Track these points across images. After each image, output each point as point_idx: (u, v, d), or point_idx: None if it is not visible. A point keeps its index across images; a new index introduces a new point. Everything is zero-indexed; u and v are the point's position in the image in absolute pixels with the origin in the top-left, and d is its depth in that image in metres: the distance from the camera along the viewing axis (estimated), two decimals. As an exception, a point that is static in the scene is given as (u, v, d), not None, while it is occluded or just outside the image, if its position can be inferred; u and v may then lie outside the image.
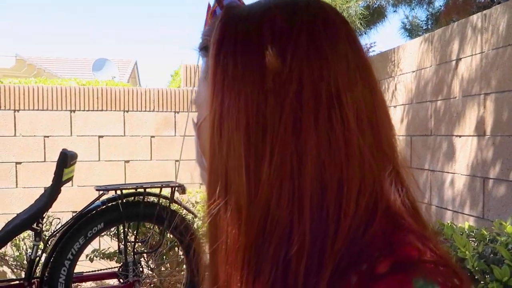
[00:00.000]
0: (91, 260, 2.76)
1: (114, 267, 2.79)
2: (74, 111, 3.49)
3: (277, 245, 0.33)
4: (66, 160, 1.87)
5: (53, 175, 1.90)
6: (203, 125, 0.43)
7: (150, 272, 2.84)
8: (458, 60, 2.58)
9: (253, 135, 0.34)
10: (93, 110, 3.52)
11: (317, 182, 0.32)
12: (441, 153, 2.69)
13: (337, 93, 0.34)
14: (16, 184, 3.38)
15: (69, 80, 4.19)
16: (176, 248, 3.26)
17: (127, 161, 3.54)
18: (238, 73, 0.35)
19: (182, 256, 3.26)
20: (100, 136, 3.52)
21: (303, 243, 0.32)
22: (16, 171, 3.38)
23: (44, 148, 3.41)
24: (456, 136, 2.57)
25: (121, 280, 2.11)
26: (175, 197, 2.17)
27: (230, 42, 0.36)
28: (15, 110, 3.39)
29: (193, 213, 2.27)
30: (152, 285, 3.13)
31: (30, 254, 1.94)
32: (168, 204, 2.14)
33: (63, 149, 1.91)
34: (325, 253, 0.32)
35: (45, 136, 3.42)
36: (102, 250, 2.93)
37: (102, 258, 2.87)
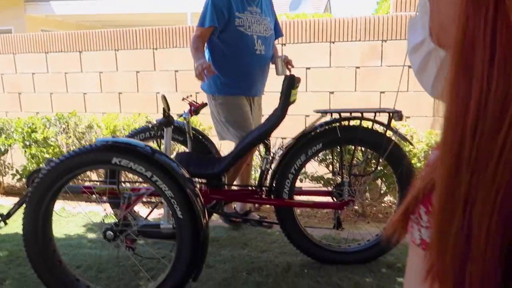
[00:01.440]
0: (301, 180, 3.04)
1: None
2: (285, 44, 3.71)
3: None
4: (293, 82, 2.03)
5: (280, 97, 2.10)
6: None
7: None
8: None
9: None
10: (301, 43, 3.67)
11: None
12: None
13: None
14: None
15: (280, 15, 4.42)
16: (379, 180, 3.27)
17: (332, 92, 3.63)
18: None
19: (384, 188, 3.27)
20: (307, 68, 3.68)
21: None
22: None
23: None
24: None
25: (334, 199, 2.26)
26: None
27: None
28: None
29: (409, 142, 2.19)
30: (354, 211, 3.27)
31: (261, 165, 2.26)
32: (384, 131, 2.12)
33: (290, 74, 2.07)
34: None
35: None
36: (310, 173, 3.18)
37: (311, 180, 3.12)
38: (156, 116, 4.07)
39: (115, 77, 4.20)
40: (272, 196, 2.24)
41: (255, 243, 2.63)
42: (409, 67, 3.44)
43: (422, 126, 3.41)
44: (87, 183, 3.03)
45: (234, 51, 2.49)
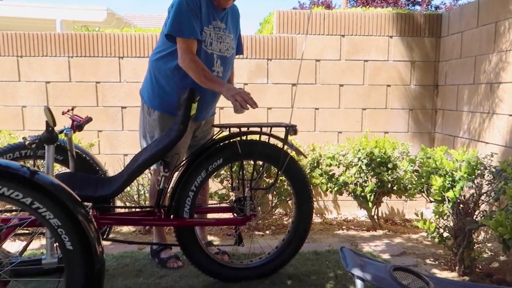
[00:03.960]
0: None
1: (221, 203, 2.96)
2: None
3: None
4: (193, 95, 1.95)
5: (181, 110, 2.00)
6: None
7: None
8: None
9: None
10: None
11: None
12: None
13: None
14: (122, 127, 3.64)
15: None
16: (270, 195, 3.37)
17: (221, 108, 3.63)
18: None
19: (275, 201, 3.38)
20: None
21: None
22: (122, 115, 3.63)
23: (146, 93, 3.60)
24: None
25: (235, 215, 2.22)
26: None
27: None
28: (119, 57, 3.58)
29: (303, 154, 2.29)
30: (247, 226, 3.29)
31: (159, 184, 2.10)
32: (282, 145, 2.18)
33: (190, 87, 1.99)
34: None
35: (146, 83, 3.59)
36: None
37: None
38: (21, 133, 3.52)
39: (-35, 87, 3.52)
40: (171, 216, 2.10)
41: (150, 268, 2.42)
42: (293, 84, 3.68)
43: (305, 140, 3.65)
44: None
45: None
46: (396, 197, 3.29)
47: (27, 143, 1.80)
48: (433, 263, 2.60)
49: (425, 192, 2.76)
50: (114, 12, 6.07)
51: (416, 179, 2.71)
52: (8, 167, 1.48)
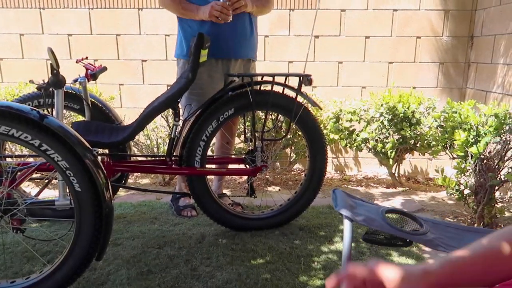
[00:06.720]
0: (212, 151, 2.95)
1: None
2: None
3: None
4: (202, 41, 1.90)
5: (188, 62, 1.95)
6: None
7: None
8: None
9: None
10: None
11: None
12: None
13: None
14: (143, 81, 3.65)
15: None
16: (288, 149, 3.34)
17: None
18: None
19: (294, 156, 3.35)
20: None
21: None
22: (143, 68, 3.62)
23: (166, 46, 3.56)
24: None
25: (247, 166, 2.21)
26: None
27: None
28: (138, 9, 3.52)
29: (318, 106, 2.22)
30: (265, 180, 3.30)
31: (170, 133, 2.10)
32: (295, 95, 2.11)
33: (199, 32, 1.93)
34: None
35: (166, 35, 3.55)
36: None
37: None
38: (47, 86, 3.60)
39: (-8, 40, 3.60)
40: (183, 165, 2.11)
41: (165, 216, 2.49)
42: (316, 37, 3.53)
43: (327, 95, 3.55)
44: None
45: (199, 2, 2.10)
46: (419, 154, 3.18)
47: (36, 87, 1.82)
48: (452, 220, 2.52)
49: (449, 149, 2.64)
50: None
51: (440, 134, 2.58)
52: (18, 110, 1.51)
